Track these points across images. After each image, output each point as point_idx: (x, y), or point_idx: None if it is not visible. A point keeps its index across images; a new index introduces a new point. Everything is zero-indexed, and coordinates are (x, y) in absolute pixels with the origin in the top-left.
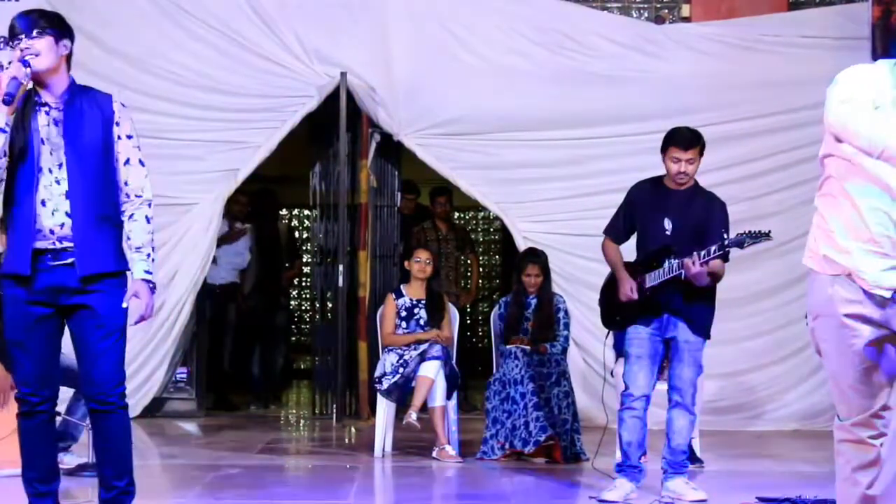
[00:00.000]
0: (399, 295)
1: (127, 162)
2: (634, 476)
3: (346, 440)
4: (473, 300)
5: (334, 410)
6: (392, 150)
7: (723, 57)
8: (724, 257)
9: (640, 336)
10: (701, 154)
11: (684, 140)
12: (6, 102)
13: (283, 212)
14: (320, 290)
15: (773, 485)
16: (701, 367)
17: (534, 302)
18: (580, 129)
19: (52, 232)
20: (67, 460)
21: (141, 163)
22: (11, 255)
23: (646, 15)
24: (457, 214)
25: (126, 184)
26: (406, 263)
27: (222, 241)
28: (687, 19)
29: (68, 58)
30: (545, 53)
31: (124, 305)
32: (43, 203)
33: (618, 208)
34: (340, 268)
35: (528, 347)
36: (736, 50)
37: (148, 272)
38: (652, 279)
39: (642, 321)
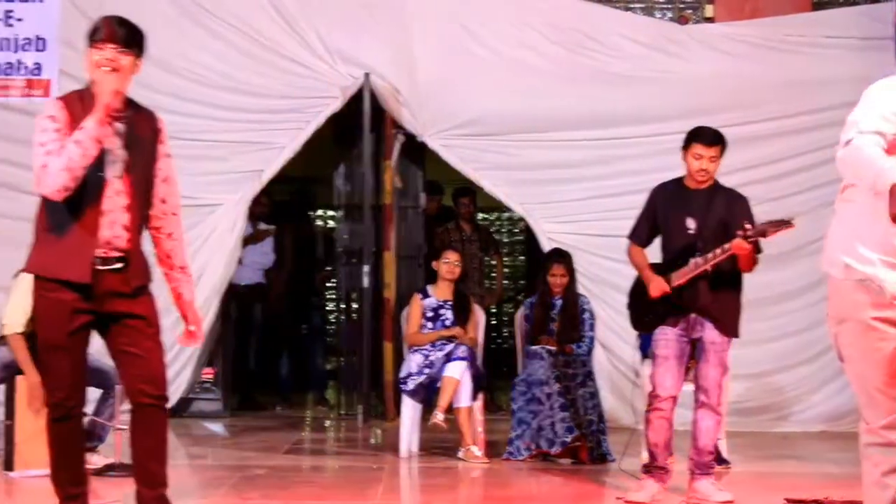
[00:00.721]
0: (425, 295)
1: (166, 179)
2: (661, 477)
3: (372, 441)
4: (498, 301)
5: (360, 411)
6: (416, 150)
7: (746, 57)
8: (756, 250)
9: (666, 337)
10: (722, 153)
11: (707, 137)
12: (116, 119)
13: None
14: (345, 291)
15: (800, 486)
16: (727, 368)
17: (559, 303)
18: (604, 129)
19: (107, 242)
20: (94, 460)
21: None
22: (64, 262)
23: (669, 15)
24: (481, 215)
25: (164, 201)
26: (434, 264)
27: (247, 241)
28: (710, 19)
29: None
30: (568, 54)
31: (188, 331)
32: (104, 213)
33: (640, 212)
34: (365, 268)
35: (553, 348)
36: (759, 50)
37: (192, 292)
38: (678, 277)
39: (670, 322)
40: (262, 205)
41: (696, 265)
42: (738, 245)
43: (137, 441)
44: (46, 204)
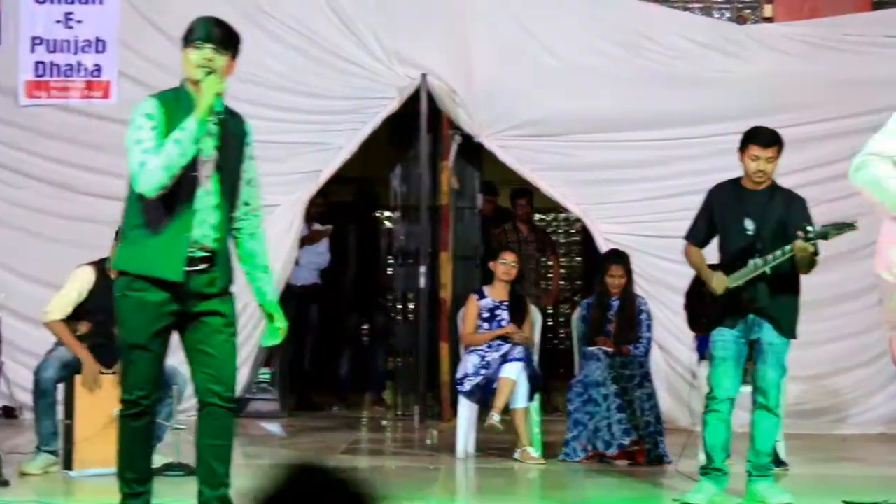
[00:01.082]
0: (481, 296)
1: (250, 181)
2: (718, 479)
3: (428, 441)
4: (555, 302)
5: (416, 412)
6: (472, 151)
7: (805, 57)
8: (814, 252)
9: (724, 338)
10: (779, 154)
11: (764, 138)
12: (218, 122)
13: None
14: (402, 292)
15: (859, 489)
16: (785, 369)
17: (616, 304)
18: (661, 129)
19: (196, 241)
20: (153, 459)
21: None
22: (155, 260)
23: (727, 15)
24: (537, 216)
25: (247, 203)
26: (491, 264)
27: (303, 242)
28: (769, 19)
29: None
30: (625, 54)
31: (275, 329)
32: (195, 212)
33: (697, 212)
34: (422, 269)
35: (610, 349)
36: (818, 50)
37: (276, 292)
38: (737, 278)
39: (728, 323)
40: (317, 205)
41: (756, 267)
42: (801, 247)
43: (203, 441)
44: (137, 201)
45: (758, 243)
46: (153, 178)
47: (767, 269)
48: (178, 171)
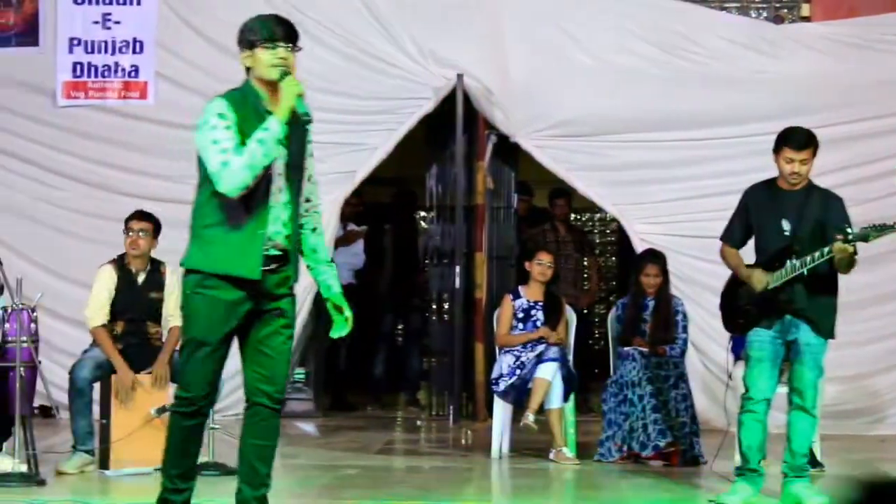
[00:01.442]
0: (516, 296)
1: (311, 178)
2: (754, 480)
3: (463, 441)
4: (592, 302)
5: (451, 412)
6: (508, 151)
7: (842, 57)
8: (853, 251)
9: (760, 339)
10: (814, 155)
11: (798, 140)
12: (307, 122)
13: None
14: (437, 292)
15: None
16: (822, 370)
17: (652, 304)
18: (697, 129)
19: (269, 239)
20: None
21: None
22: (231, 259)
23: (764, 15)
24: (573, 216)
25: (308, 199)
26: (527, 265)
27: (338, 243)
28: (806, 19)
29: None
30: (661, 54)
31: (343, 320)
32: (269, 209)
33: (733, 213)
34: (457, 269)
35: (645, 349)
36: (856, 49)
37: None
38: (775, 280)
39: (764, 324)
40: (352, 205)
41: (794, 268)
42: (839, 249)
43: (247, 440)
44: (211, 200)
45: (795, 244)
46: (237, 177)
47: (805, 271)
48: (261, 171)
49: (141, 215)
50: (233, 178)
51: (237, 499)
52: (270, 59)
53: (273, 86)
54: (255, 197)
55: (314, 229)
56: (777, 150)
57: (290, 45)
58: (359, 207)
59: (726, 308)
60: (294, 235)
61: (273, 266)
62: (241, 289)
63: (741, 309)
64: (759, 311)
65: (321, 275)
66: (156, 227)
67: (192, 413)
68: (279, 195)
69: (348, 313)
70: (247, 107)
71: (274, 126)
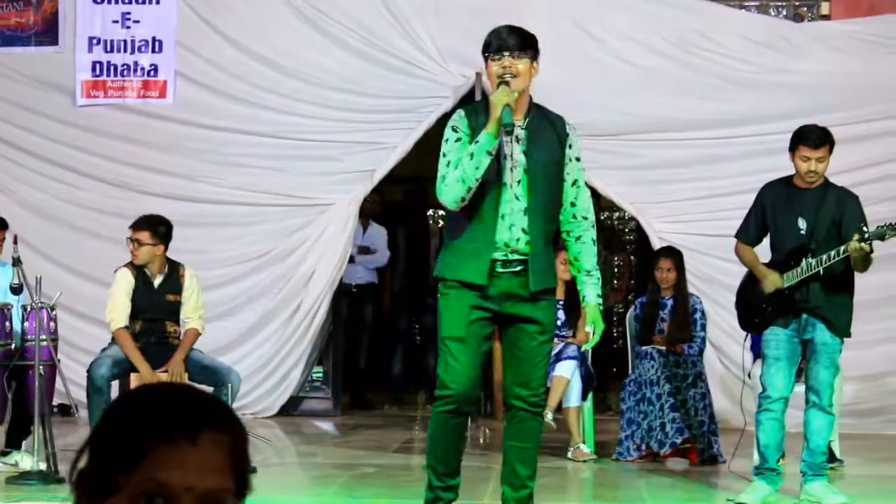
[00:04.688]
0: None
1: (574, 183)
2: (772, 479)
3: (481, 440)
4: (622, 300)
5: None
6: None
7: (862, 55)
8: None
9: (777, 338)
10: (830, 152)
11: (814, 139)
12: (508, 132)
13: None
14: None
15: None
16: (838, 368)
17: (670, 302)
18: (717, 129)
19: (506, 245)
20: None
21: (586, 185)
22: (462, 265)
23: (784, 13)
24: None
25: (573, 205)
26: None
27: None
28: (826, 17)
29: None
30: (682, 53)
31: (587, 330)
32: (503, 217)
33: (748, 211)
34: None
35: (664, 348)
36: (876, 48)
37: (599, 297)
38: (790, 278)
39: (780, 323)
40: (371, 203)
41: (810, 267)
42: (855, 248)
43: (508, 442)
44: (449, 212)
45: (811, 242)
46: (451, 191)
47: (821, 269)
48: (474, 184)
49: (138, 224)
50: (448, 192)
51: (501, 500)
52: (496, 70)
53: None
54: (487, 205)
55: (578, 238)
56: (793, 148)
57: (518, 52)
58: (378, 206)
59: (742, 307)
60: (537, 241)
61: (515, 270)
62: (477, 291)
63: (757, 308)
64: (776, 309)
65: (579, 284)
66: (157, 232)
67: (452, 410)
68: (516, 202)
69: (588, 328)
70: (480, 118)
71: (481, 139)
